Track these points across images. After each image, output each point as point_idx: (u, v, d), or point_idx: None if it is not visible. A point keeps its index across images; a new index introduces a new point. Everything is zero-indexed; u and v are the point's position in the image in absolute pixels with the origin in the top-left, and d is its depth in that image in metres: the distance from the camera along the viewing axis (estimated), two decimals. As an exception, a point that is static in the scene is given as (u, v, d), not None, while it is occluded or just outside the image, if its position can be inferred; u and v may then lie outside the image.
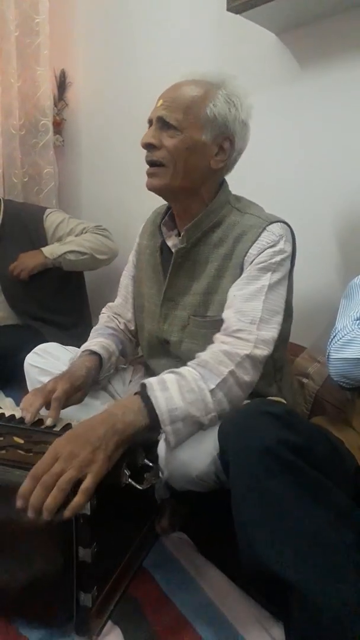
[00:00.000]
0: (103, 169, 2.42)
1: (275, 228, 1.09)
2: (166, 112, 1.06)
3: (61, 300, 2.06)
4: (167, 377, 0.94)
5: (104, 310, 1.42)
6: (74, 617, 0.84)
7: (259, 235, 1.08)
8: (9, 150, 2.40)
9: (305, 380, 1.41)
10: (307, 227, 1.54)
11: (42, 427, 1.05)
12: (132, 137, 2.17)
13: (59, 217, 2.04)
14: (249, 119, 1.13)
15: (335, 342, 1.05)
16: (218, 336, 1.04)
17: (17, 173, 2.42)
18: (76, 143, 2.55)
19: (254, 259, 1.07)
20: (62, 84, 2.48)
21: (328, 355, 1.06)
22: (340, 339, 1.03)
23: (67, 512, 0.76)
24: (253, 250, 1.08)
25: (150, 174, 1.11)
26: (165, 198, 1.18)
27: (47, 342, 1.43)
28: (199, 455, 0.93)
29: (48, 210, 2.06)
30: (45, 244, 1.98)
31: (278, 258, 1.07)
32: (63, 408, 1.11)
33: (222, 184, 1.18)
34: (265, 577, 0.75)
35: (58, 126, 2.51)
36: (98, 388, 1.33)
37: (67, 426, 1.05)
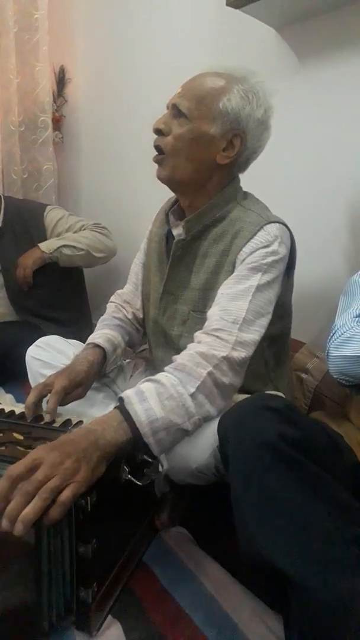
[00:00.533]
0: (102, 165, 2.42)
1: (272, 228, 1.07)
2: (181, 99, 1.06)
3: (61, 296, 2.06)
4: (145, 386, 0.92)
5: (112, 298, 1.40)
6: (74, 613, 0.84)
7: (255, 234, 1.06)
8: (8, 146, 2.40)
9: (304, 376, 1.41)
10: (306, 223, 1.54)
11: (42, 423, 1.05)
12: (131, 133, 2.18)
13: (59, 214, 2.04)
14: (268, 119, 1.11)
15: (335, 340, 1.05)
16: (197, 334, 1.02)
17: (17, 169, 2.42)
18: (75, 139, 2.55)
19: (245, 258, 1.05)
20: (61, 80, 2.48)
21: (327, 352, 1.06)
22: (340, 336, 1.03)
23: (44, 523, 0.72)
24: (246, 249, 1.06)
25: (156, 161, 1.11)
26: (172, 190, 1.16)
27: (49, 336, 1.42)
28: (198, 448, 0.93)
29: (49, 207, 2.06)
30: (45, 240, 1.98)
31: (269, 259, 1.04)
32: (64, 404, 1.10)
33: (233, 180, 1.15)
34: (264, 570, 0.75)
35: (57, 122, 2.51)
36: (102, 382, 1.32)
37: (67, 422, 1.05)
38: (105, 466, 0.83)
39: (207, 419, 0.95)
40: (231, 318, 1.00)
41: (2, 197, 2.05)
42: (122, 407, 0.89)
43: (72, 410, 1.19)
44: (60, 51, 2.44)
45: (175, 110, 1.07)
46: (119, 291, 1.41)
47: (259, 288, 1.03)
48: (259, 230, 1.06)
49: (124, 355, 1.33)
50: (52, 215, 2.02)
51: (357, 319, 1.05)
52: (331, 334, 1.07)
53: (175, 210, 1.21)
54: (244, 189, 1.20)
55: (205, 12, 1.77)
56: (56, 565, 0.80)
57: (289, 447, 0.76)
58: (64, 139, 2.57)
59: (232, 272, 1.07)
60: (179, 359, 0.97)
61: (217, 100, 1.05)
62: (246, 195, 1.18)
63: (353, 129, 1.43)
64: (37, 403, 1.06)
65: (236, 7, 1.43)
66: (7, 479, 0.74)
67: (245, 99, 1.06)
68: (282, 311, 1.15)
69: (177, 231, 1.18)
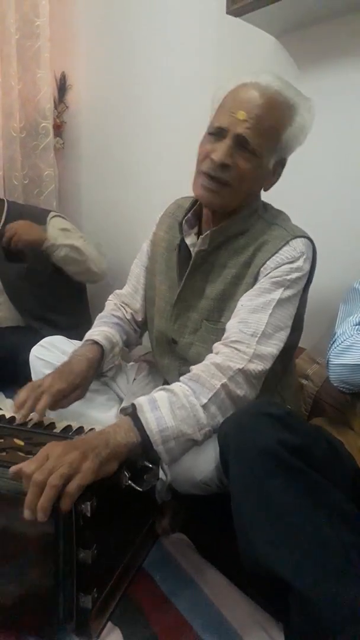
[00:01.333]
0: (103, 171, 2.42)
1: (298, 244, 1.07)
2: (250, 132, 1.00)
3: (62, 300, 2.06)
4: (158, 395, 0.93)
5: (110, 297, 1.40)
6: (74, 619, 0.84)
7: (280, 248, 1.06)
8: (9, 152, 2.40)
9: (304, 382, 1.41)
10: (308, 229, 1.55)
11: (42, 428, 1.05)
12: (132, 139, 2.19)
13: (62, 224, 2.03)
14: None
15: (335, 348, 1.05)
16: (216, 345, 1.02)
17: (18, 175, 2.43)
18: (76, 145, 2.55)
19: (270, 272, 1.05)
20: (62, 87, 2.49)
21: (328, 360, 1.06)
22: (340, 344, 1.03)
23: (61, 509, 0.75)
24: (271, 263, 1.05)
25: (212, 190, 1.05)
26: (212, 211, 1.13)
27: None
28: (203, 461, 0.94)
29: (52, 214, 2.05)
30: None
31: (294, 275, 1.04)
32: (62, 407, 1.11)
33: (257, 196, 1.15)
34: (264, 577, 0.75)
35: (58, 129, 2.51)
36: (102, 382, 1.32)
37: (68, 428, 1.05)
38: (116, 466, 0.84)
39: (217, 430, 0.94)
40: (250, 330, 0.99)
41: (5, 201, 2.06)
42: (133, 414, 0.90)
43: (75, 411, 1.18)
44: (62, 58, 2.45)
45: (242, 142, 1.01)
46: (117, 291, 1.40)
47: (280, 302, 1.03)
48: (284, 245, 1.06)
49: (125, 358, 1.33)
50: (54, 223, 2.01)
51: (357, 327, 1.05)
52: (331, 342, 1.07)
53: (189, 219, 1.19)
54: (270, 204, 1.19)
55: (206, 20, 1.78)
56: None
57: (288, 454, 0.76)
58: (65, 145, 2.58)
59: (253, 284, 1.07)
60: (194, 369, 0.97)
61: (282, 133, 1.04)
62: (266, 207, 1.18)
63: (353, 137, 1.43)
64: (28, 403, 1.05)
65: (236, 15, 1.44)
66: (25, 477, 0.77)
67: (301, 130, 1.06)
68: (296, 324, 1.14)
69: (191, 240, 1.16)
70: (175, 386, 0.94)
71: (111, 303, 1.37)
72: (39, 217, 2.02)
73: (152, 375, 1.35)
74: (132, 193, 2.23)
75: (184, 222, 1.18)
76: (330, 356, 1.05)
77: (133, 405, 0.91)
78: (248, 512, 0.77)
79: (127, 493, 0.88)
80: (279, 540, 0.73)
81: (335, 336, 1.07)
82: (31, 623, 0.85)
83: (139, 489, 0.88)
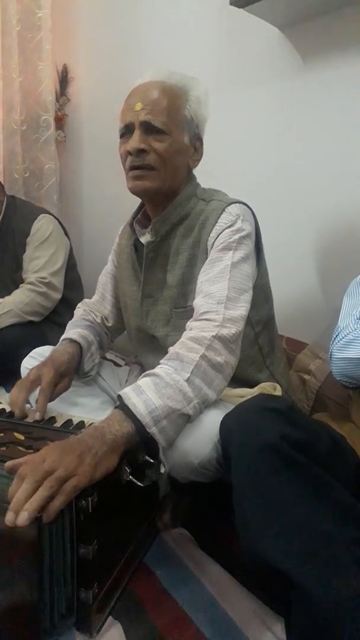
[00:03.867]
0: (104, 164, 2.41)
1: (232, 208, 1.11)
2: (151, 116, 1.07)
3: (61, 300, 2.05)
4: (142, 381, 0.94)
5: (79, 305, 1.45)
6: (75, 614, 0.84)
7: (219, 218, 1.10)
8: (10, 145, 2.40)
9: (306, 377, 1.41)
10: (310, 222, 1.54)
11: (41, 422, 1.05)
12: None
13: (44, 233, 1.99)
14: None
15: (338, 342, 1.04)
16: (188, 323, 1.04)
17: (19, 168, 2.42)
18: (78, 138, 2.54)
19: (214, 241, 1.09)
20: (64, 79, 2.48)
21: (330, 354, 1.06)
22: (343, 338, 1.03)
23: (44, 516, 0.73)
24: (213, 233, 1.09)
25: (139, 177, 1.11)
26: (148, 199, 1.19)
27: (48, 339, 1.42)
28: (200, 443, 0.93)
29: (42, 216, 2.02)
30: (24, 245, 1.98)
31: (237, 236, 1.07)
32: (51, 400, 1.12)
33: (191, 178, 1.20)
34: (266, 572, 0.75)
35: (60, 121, 2.51)
36: (95, 385, 1.35)
37: (68, 422, 1.05)
38: (117, 459, 0.84)
39: (206, 403, 0.96)
40: (215, 300, 1.02)
41: (6, 195, 2.05)
42: (121, 404, 0.90)
43: (70, 415, 1.19)
44: (63, 50, 2.44)
45: (147, 127, 1.08)
46: (85, 300, 1.46)
47: (234, 265, 1.05)
48: (221, 213, 1.10)
49: (99, 355, 1.35)
50: (38, 226, 1.99)
51: (360, 320, 1.05)
52: (334, 336, 1.06)
53: (139, 220, 1.25)
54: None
55: (209, 11, 1.76)
56: (57, 565, 0.79)
57: (291, 449, 0.75)
58: (66, 138, 2.57)
59: (205, 259, 1.10)
60: (172, 349, 0.99)
61: (182, 109, 1.11)
62: (205, 189, 1.22)
63: (356, 129, 1.42)
64: (25, 399, 1.08)
65: (240, 6, 1.43)
66: (18, 478, 0.76)
67: (199, 102, 1.13)
68: (265, 294, 1.21)
69: (145, 238, 1.21)
70: (156, 369, 0.96)
71: (80, 310, 1.42)
72: (31, 216, 2.01)
73: None
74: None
75: (134, 223, 1.24)
76: (333, 350, 1.04)
77: (119, 396, 0.92)
78: (250, 507, 0.77)
79: (128, 488, 0.88)
80: (281, 535, 0.73)
81: (339, 330, 1.06)
82: (15, 633, 0.84)
83: (140, 484, 0.88)
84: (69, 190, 2.62)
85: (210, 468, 0.95)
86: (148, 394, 0.90)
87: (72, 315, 2.10)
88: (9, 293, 1.95)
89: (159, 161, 1.09)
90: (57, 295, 1.99)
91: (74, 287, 2.15)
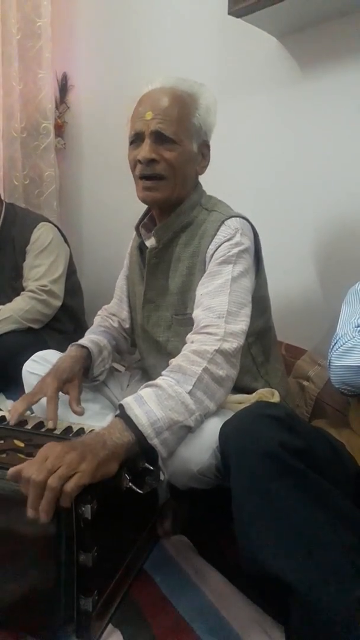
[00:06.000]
0: (104, 171, 2.42)
1: (232, 222, 1.11)
2: (162, 125, 1.08)
3: (61, 307, 2.05)
4: (144, 392, 0.94)
5: (99, 312, 1.46)
6: (75, 621, 0.84)
7: (217, 230, 1.10)
8: (10, 152, 2.41)
9: (305, 383, 1.41)
10: (308, 230, 1.55)
11: (43, 429, 1.05)
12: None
13: (44, 241, 2.00)
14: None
15: (337, 350, 1.05)
16: (189, 336, 1.05)
17: (18, 176, 2.43)
18: (77, 146, 2.55)
19: (213, 254, 1.09)
20: (63, 87, 2.49)
21: (329, 362, 1.06)
22: (341, 346, 1.03)
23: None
24: (212, 246, 1.10)
25: (150, 188, 1.13)
26: (158, 207, 1.19)
27: (49, 345, 1.42)
28: (199, 450, 0.93)
29: (41, 224, 2.02)
30: (24, 254, 1.98)
31: (236, 250, 1.08)
32: (78, 403, 1.15)
33: (196, 186, 1.21)
34: (265, 579, 0.75)
35: (59, 129, 2.51)
36: (96, 390, 1.34)
37: (68, 429, 1.05)
38: (117, 466, 0.84)
39: (207, 415, 0.96)
40: (215, 314, 1.02)
41: (3, 202, 2.05)
42: (122, 414, 0.90)
43: (69, 421, 1.20)
44: (63, 58, 2.45)
45: (159, 137, 1.09)
46: (105, 306, 1.47)
47: (234, 280, 1.06)
48: (220, 226, 1.11)
49: (113, 359, 1.36)
50: (38, 235, 1.99)
51: (358, 328, 1.05)
52: (333, 344, 1.07)
53: (145, 224, 1.26)
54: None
55: (208, 20, 1.78)
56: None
57: (290, 456, 0.76)
58: (66, 146, 2.58)
59: (204, 270, 1.11)
60: (174, 361, 0.99)
61: (191, 117, 1.12)
62: (210, 198, 1.22)
63: (355, 138, 1.43)
64: (25, 411, 1.10)
65: (238, 16, 1.44)
66: (24, 482, 0.77)
67: (208, 110, 1.14)
68: (262, 306, 1.21)
69: (150, 242, 1.21)
70: (158, 380, 0.96)
71: (98, 318, 1.44)
72: (30, 224, 2.01)
73: (144, 381, 1.34)
74: (133, 193, 2.21)
75: (140, 227, 1.26)
76: (332, 358, 1.05)
77: (121, 405, 0.92)
78: (249, 514, 0.77)
79: (128, 495, 0.88)
80: (280, 542, 0.73)
81: (337, 338, 1.07)
82: (31, 624, 0.85)
83: (139, 491, 0.88)
84: (68, 197, 2.63)
85: (210, 475, 0.96)
86: (150, 405, 0.90)
87: (72, 322, 2.11)
88: (9, 301, 1.95)
89: (169, 170, 1.10)
90: (58, 303, 2.00)
91: (74, 294, 2.15)
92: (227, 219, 1.11)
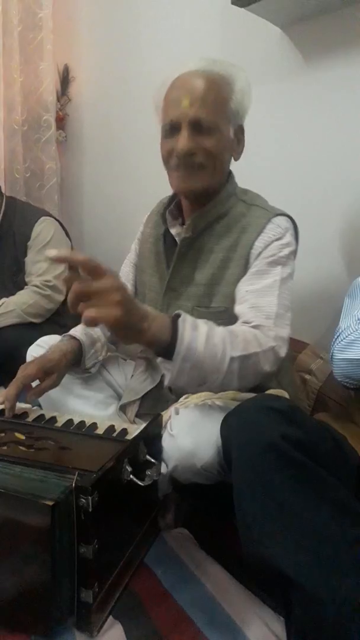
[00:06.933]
0: (105, 164, 2.41)
1: (281, 221, 1.09)
2: (201, 112, 1.03)
3: (62, 301, 2.05)
4: (200, 322, 0.90)
5: None
6: (75, 613, 0.84)
7: (264, 227, 1.07)
8: (11, 145, 2.40)
9: (307, 377, 1.40)
10: (312, 222, 1.54)
11: (43, 422, 1.05)
12: (135, 132, 2.18)
13: (45, 236, 1.98)
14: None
15: (339, 342, 1.04)
16: (239, 324, 1.01)
17: (19, 168, 2.42)
18: (79, 138, 2.54)
19: (261, 252, 1.06)
20: (65, 79, 2.48)
21: (332, 355, 1.06)
22: (344, 339, 1.03)
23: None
24: (259, 243, 1.07)
25: (189, 177, 1.08)
26: (194, 197, 1.14)
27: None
28: (203, 446, 0.93)
29: (42, 219, 2.01)
30: (25, 249, 1.97)
31: (286, 251, 1.06)
32: (37, 396, 1.13)
33: (230, 174, 1.17)
34: (266, 572, 0.75)
35: (61, 121, 2.51)
36: (100, 379, 1.33)
37: (69, 422, 1.05)
38: (137, 341, 0.84)
39: (225, 388, 0.94)
40: (263, 314, 1.00)
41: (4, 196, 2.04)
42: (175, 320, 0.87)
43: (74, 409, 1.20)
44: (64, 50, 2.44)
45: (197, 125, 1.04)
46: None
47: (283, 281, 1.04)
48: (267, 223, 1.08)
49: (108, 350, 1.34)
50: (39, 230, 1.98)
51: (361, 321, 1.05)
52: (335, 337, 1.06)
53: (171, 210, 1.22)
54: (252, 188, 1.20)
55: (211, 10, 1.76)
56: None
57: (292, 449, 0.75)
58: (67, 138, 2.57)
59: (244, 266, 1.08)
60: (232, 328, 0.96)
61: (228, 102, 1.07)
62: (245, 190, 1.19)
63: (358, 129, 1.42)
64: (16, 395, 1.08)
65: (241, 5, 1.43)
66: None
67: (243, 93, 1.09)
68: None
69: (176, 230, 1.19)
70: (214, 325, 0.92)
71: None
72: (31, 218, 2.00)
73: (149, 371, 1.34)
74: (135, 186, 2.22)
75: (167, 213, 1.21)
76: (334, 351, 1.04)
77: (176, 313, 0.89)
78: (251, 507, 0.77)
79: (129, 488, 0.88)
80: (281, 535, 0.73)
81: (340, 331, 1.06)
82: (31, 617, 0.85)
83: (140, 483, 0.88)
84: (70, 190, 2.62)
85: (213, 470, 0.95)
86: (199, 335, 0.87)
87: (73, 316, 2.10)
88: (10, 294, 1.95)
89: (208, 159, 1.06)
90: (61, 298, 1.99)
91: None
92: (274, 217, 1.09)
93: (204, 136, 1.05)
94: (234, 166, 1.19)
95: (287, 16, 1.49)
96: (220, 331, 0.91)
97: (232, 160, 1.17)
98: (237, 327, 0.97)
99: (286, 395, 1.12)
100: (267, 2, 1.38)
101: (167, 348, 0.85)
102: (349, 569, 0.70)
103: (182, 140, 1.04)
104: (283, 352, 0.98)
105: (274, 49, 1.58)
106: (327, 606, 0.67)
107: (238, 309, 1.04)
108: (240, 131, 1.14)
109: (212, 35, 1.78)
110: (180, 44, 1.91)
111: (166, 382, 0.90)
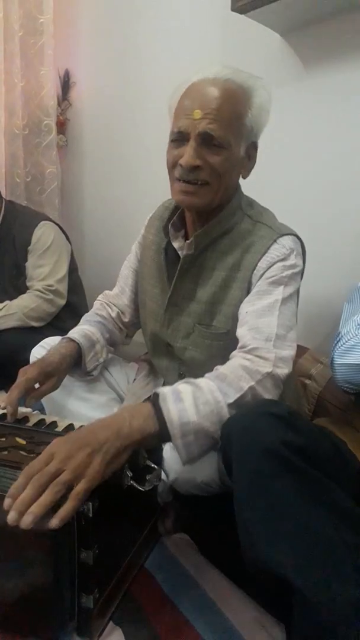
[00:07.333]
0: (106, 169, 2.42)
1: (286, 241, 1.05)
2: (212, 127, 0.98)
3: (64, 306, 2.05)
4: (182, 387, 0.89)
5: (99, 297, 1.40)
6: (76, 619, 0.84)
7: (269, 248, 1.04)
8: (12, 149, 2.40)
9: (307, 382, 1.40)
10: (311, 229, 1.54)
11: (44, 427, 1.05)
12: (135, 136, 2.19)
13: (45, 241, 1.98)
14: None
15: (339, 347, 1.04)
16: (236, 353, 0.99)
17: (20, 173, 2.43)
18: (79, 143, 2.55)
19: (263, 273, 1.03)
20: (65, 84, 2.49)
21: (332, 360, 1.06)
22: (344, 344, 1.03)
23: (55, 520, 0.71)
24: (262, 264, 1.04)
25: (191, 193, 1.04)
26: (195, 212, 1.11)
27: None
28: (204, 462, 0.92)
29: (42, 223, 2.01)
30: (26, 253, 1.97)
31: (289, 272, 1.03)
32: (37, 398, 1.12)
33: (237, 188, 1.13)
34: (266, 578, 0.75)
35: (61, 126, 2.51)
36: (103, 382, 1.33)
37: (70, 427, 1.05)
38: (128, 457, 0.81)
39: None
40: (263, 336, 0.97)
41: (3, 200, 2.05)
42: (155, 402, 0.86)
43: (76, 412, 1.19)
44: (65, 55, 2.45)
45: (206, 139, 0.99)
46: (106, 291, 1.40)
47: (284, 302, 1.01)
48: (272, 244, 1.05)
49: (107, 352, 1.32)
50: (39, 234, 1.98)
51: (361, 326, 1.05)
52: (335, 342, 1.06)
53: (174, 223, 1.18)
54: (252, 195, 1.19)
55: (211, 17, 1.77)
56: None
57: (292, 454, 0.75)
58: (68, 143, 2.58)
59: (247, 288, 1.05)
60: (220, 369, 0.95)
61: (243, 118, 1.02)
62: (251, 203, 1.16)
63: (357, 135, 1.43)
64: (17, 397, 1.07)
65: (241, 12, 1.44)
66: (23, 476, 0.74)
67: (261, 109, 1.04)
68: None
69: (179, 243, 1.15)
70: (200, 381, 0.91)
71: (97, 303, 1.38)
72: (31, 223, 2.00)
73: (152, 375, 1.34)
74: (135, 191, 2.23)
75: (169, 226, 1.17)
76: (335, 356, 1.04)
77: (156, 394, 0.88)
78: (251, 513, 0.77)
79: (129, 493, 0.88)
80: (281, 540, 0.73)
81: (340, 336, 1.06)
82: (31, 622, 0.85)
83: (141, 489, 0.88)
84: (70, 195, 2.63)
85: (213, 485, 0.95)
86: (186, 404, 0.86)
87: (74, 319, 2.11)
88: (10, 298, 1.95)
89: (213, 176, 1.01)
90: (62, 302, 2.00)
91: (75, 291, 2.15)
92: (279, 237, 1.05)
93: (212, 152, 1.00)
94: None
95: (286, 23, 1.49)
96: (205, 384, 0.90)
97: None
98: (226, 365, 0.95)
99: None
100: (267, 9, 1.38)
101: (161, 434, 0.84)
102: (348, 574, 0.69)
103: (188, 153, 1.00)
104: (284, 373, 0.95)
105: (273, 55, 1.59)
106: (327, 611, 0.67)
107: (239, 331, 1.02)
108: (252, 148, 1.08)
109: (212, 41, 1.79)
110: (180, 50, 1.91)
111: (183, 461, 0.88)
